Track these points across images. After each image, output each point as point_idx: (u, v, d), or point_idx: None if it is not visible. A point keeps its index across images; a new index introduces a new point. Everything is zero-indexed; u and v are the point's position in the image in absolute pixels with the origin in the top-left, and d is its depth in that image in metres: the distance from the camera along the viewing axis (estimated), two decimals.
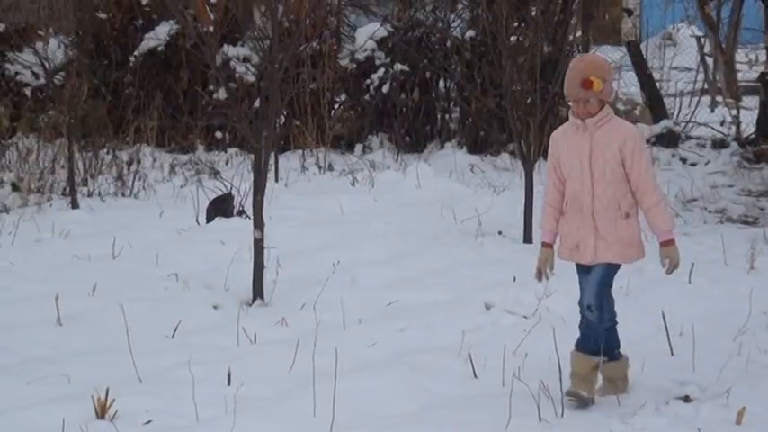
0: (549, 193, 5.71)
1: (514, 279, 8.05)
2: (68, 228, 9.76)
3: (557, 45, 13.81)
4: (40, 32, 15.33)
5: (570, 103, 5.57)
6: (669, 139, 14.70)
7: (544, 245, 5.77)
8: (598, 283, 5.58)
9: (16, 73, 15.37)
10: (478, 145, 14.67)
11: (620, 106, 15.77)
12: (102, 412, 5.34)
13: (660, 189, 5.63)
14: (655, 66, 17.09)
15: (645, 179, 5.48)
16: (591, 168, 5.50)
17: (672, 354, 6.44)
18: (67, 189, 11.27)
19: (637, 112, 15.78)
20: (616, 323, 5.73)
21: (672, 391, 5.77)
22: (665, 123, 15.10)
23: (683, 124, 15.37)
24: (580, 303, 5.68)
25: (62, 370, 6.00)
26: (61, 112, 12.70)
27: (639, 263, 8.44)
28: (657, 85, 16.12)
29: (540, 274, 5.82)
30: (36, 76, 15.23)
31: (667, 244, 5.56)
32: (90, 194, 11.66)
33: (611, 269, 5.64)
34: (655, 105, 15.65)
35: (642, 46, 17.58)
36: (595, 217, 5.53)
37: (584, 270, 5.69)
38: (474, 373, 6.07)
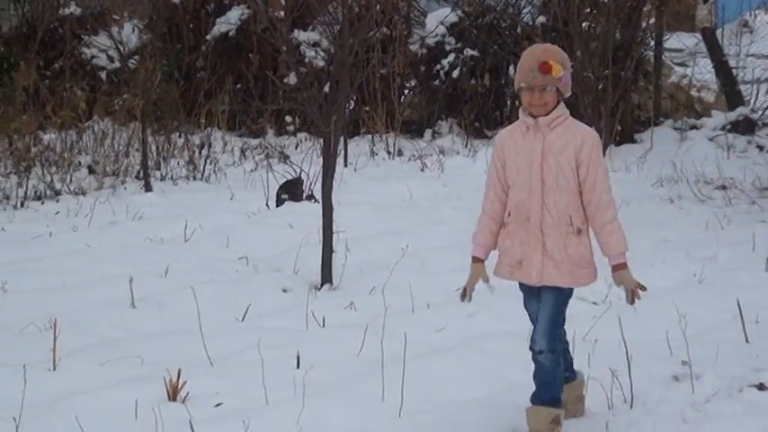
0: (489, 202, 4.99)
1: None
2: (142, 210, 9.91)
3: (629, 32, 13.65)
4: (115, 17, 15.54)
5: (522, 95, 4.84)
6: (745, 126, 14.47)
7: (474, 260, 5.00)
8: (548, 322, 4.88)
9: (92, 57, 15.58)
10: None
11: (695, 93, 15.56)
12: (173, 394, 5.42)
13: (615, 205, 4.88)
14: (731, 53, 16.82)
15: (600, 190, 4.79)
16: (542, 175, 4.81)
17: (747, 341, 6.35)
18: (141, 172, 11.43)
19: (711, 98, 15.56)
20: (567, 345, 5.15)
21: (746, 378, 5.70)
22: (741, 110, 14.85)
23: (759, 111, 15.11)
24: (532, 342, 4.95)
25: (135, 351, 6.09)
26: (135, 96, 12.87)
27: (714, 251, 8.46)
28: (733, 72, 15.87)
29: (464, 295, 5.03)
30: (111, 59, 15.43)
31: (620, 268, 4.87)
32: (163, 178, 11.81)
33: (560, 300, 4.92)
34: (730, 92, 15.41)
35: (717, 33, 17.30)
36: (544, 230, 4.82)
37: (530, 291, 4.99)
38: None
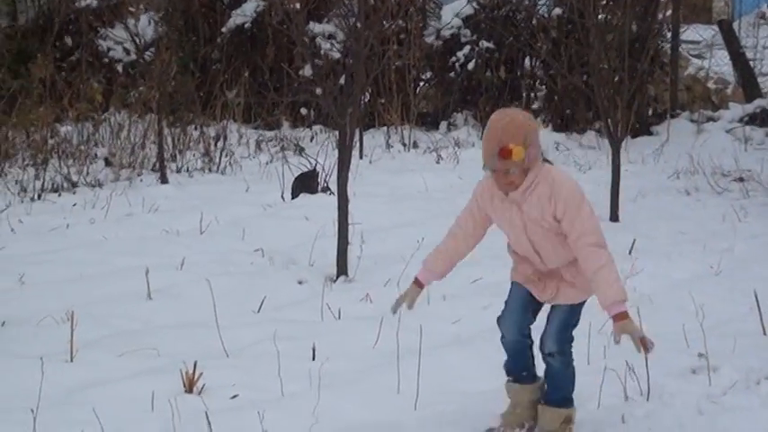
0: (454, 237, 4.83)
1: None
2: (158, 202, 9.93)
3: (645, 23, 13.60)
4: (131, 9, 15.56)
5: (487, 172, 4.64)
6: (763, 119, 14.43)
7: (416, 281, 4.90)
8: (561, 325, 4.75)
9: (108, 49, 15.63)
10: (564, 123, 14.57)
11: (712, 85, 15.51)
12: (190, 386, 5.43)
13: (606, 248, 4.59)
14: (748, 44, 16.76)
15: (585, 240, 4.52)
16: (530, 242, 4.66)
17: (764, 333, 6.32)
18: (157, 164, 11.46)
19: (729, 91, 15.50)
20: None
21: (763, 370, 5.67)
22: (758, 102, 14.81)
23: None
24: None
25: (152, 343, 6.11)
26: (151, 88, 12.90)
27: (731, 243, 8.43)
28: (751, 64, 15.81)
29: (395, 307, 4.93)
30: (127, 51, 15.47)
31: (620, 318, 4.51)
32: (178, 170, 11.84)
33: (576, 308, 4.79)
34: (748, 84, 15.36)
35: (734, 24, 17.24)
36: (552, 269, 4.71)
37: (523, 293, 4.84)
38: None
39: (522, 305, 4.80)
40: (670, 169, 11.75)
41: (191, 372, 5.45)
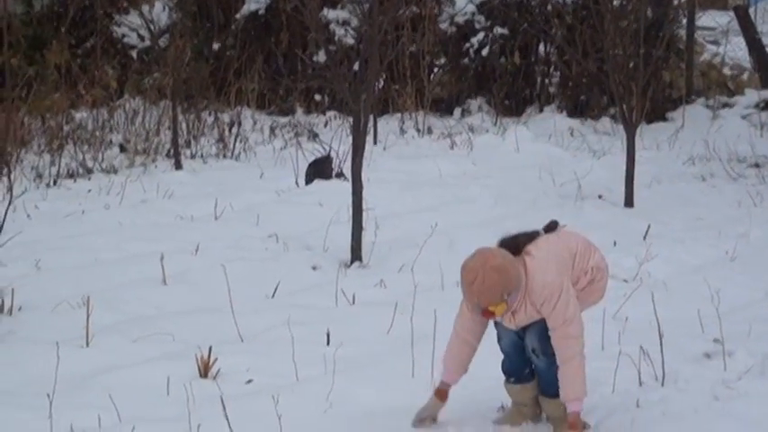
0: (463, 329, 4.82)
1: (615, 243, 7.97)
2: (172, 188, 9.95)
3: (661, 9, 13.54)
4: None
5: None
6: None
7: (439, 390, 4.87)
8: (542, 327, 4.74)
9: (123, 35, 15.65)
10: (578, 109, 14.53)
11: (727, 71, 15.44)
12: (205, 371, 5.45)
13: (581, 339, 4.61)
14: (764, 31, 16.66)
15: (558, 333, 4.59)
16: (519, 327, 4.77)
17: None
18: (171, 150, 11.48)
19: (744, 77, 15.43)
20: None
21: None
22: None
23: None
24: (527, 340, 4.83)
25: (167, 328, 6.13)
26: (165, 74, 12.92)
27: (746, 228, 8.40)
28: (767, 49, 15.72)
29: (419, 422, 4.86)
30: (142, 38, 15.49)
31: (575, 426, 4.62)
32: (193, 156, 11.86)
33: None
34: (763, 70, 15.28)
35: (750, 11, 17.14)
36: None
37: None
38: None
39: (515, 340, 4.80)
40: (685, 155, 11.71)
41: (206, 357, 5.47)
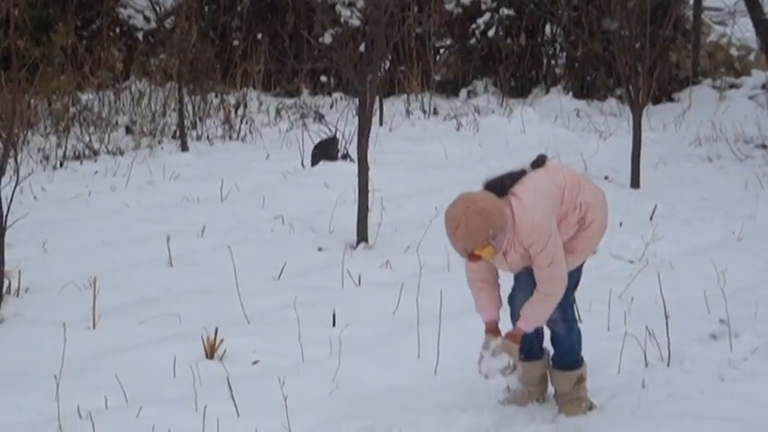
0: (473, 272, 4.76)
1: (621, 224, 7.96)
2: (178, 170, 9.96)
3: None
4: None
5: None
6: None
7: (490, 328, 4.75)
8: None
9: (129, 17, 15.63)
10: (585, 90, 14.49)
11: (734, 52, 15.38)
12: (211, 352, 5.46)
13: (562, 282, 4.59)
14: None
15: (541, 273, 4.57)
16: (517, 272, 4.76)
17: None
18: (177, 132, 11.48)
19: (751, 57, 15.37)
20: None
21: None
22: None
23: None
24: (513, 306, 4.85)
25: (173, 310, 6.15)
26: (171, 56, 12.90)
27: (753, 209, 8.39)
28: None
29: (506, 369, 4.69)
30: (147, 20, 15.46)
31: (513, 338, 4.64)
32: (199, 137, 11.86)
33: (573, 273, 4.76)
34: None
35: None
36: None
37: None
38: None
39: (530, 281, 4.70)
40: (692, 136, 11.68)
41: (212, 338, 5.48)
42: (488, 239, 4.39)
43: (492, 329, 4.74)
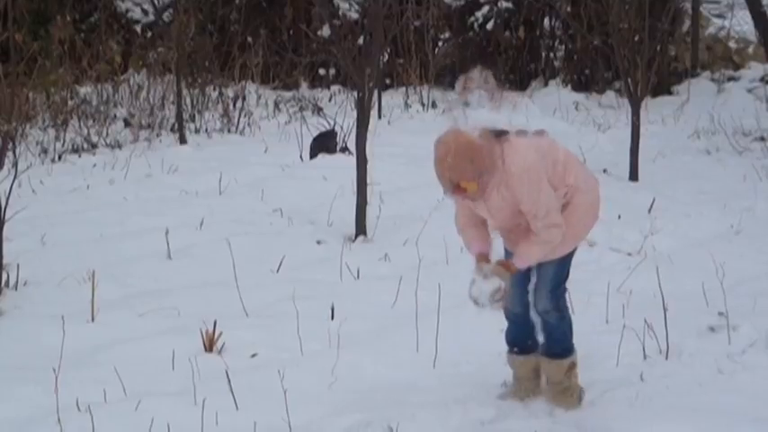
0: (463, 216, 4.76)
1: (619, 217, 7.97)
2: (177, 163, 9.95)
3: None
4: None
5: None
6: None
7: (480, 257, 4.69)
8: (553, 282, 4.74)
9: (127, 10, 15.61)
10: (583, 83, 14.50)
11: (733, 45, 15.37)
12: (210, 345, 5.47)
13: (557, 228, 4.54)
14: None
15: (536, 223, 4.51)
16: (500, 224, 4.68)
17: None
18: (176, 125, 11.47)
19: (750, 50, 15.37)
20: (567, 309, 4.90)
21: None
22: None
23: None
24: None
25: (172, 303, 6.15)
26: (169, 49, 12.89)
27: (752, 202, 8.39)
28: None
29: (497, 293, 4.62)
30: (146, 13, 15.44)
31: (506, 266, 4.60)
32: (197, 130, 11.85)
33: (564, 262, 4.74)
34: None
35: None
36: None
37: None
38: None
39: (521, 277, 4.71)
40: (690, 129, 11.68)
41: (210, 331, 5.48)
42: (474, 173, 4.36)
43: (483, 258, 4.70)
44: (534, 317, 4.83)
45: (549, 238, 4.55)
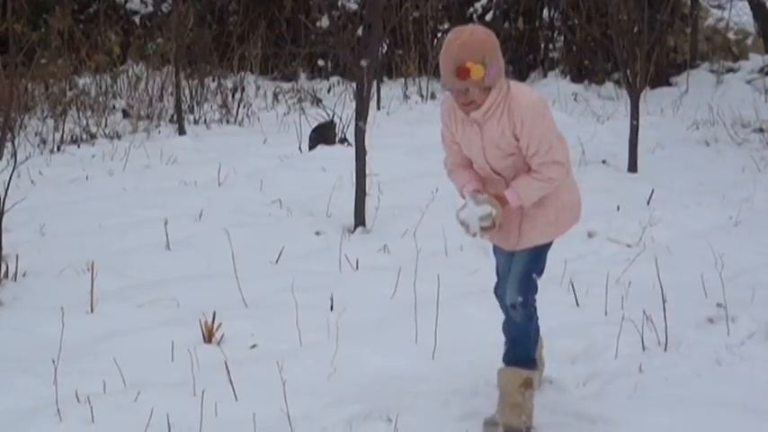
0: (452, 155, 4.56)
1: (618, 208, 7.97)
2: (176, 154, 9.95)
3: None
4: None
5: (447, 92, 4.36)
6: None
7: (473, 192, 4.42)
8: (524, 272, 4.46)
9: (126, 1, 15.58)
10: (582, 74, 14.49)
11: (732, 36, 15.37)
12: (209, 336, 5.47)
13: (563, 167, 4.36)
14: None
15: (538, 160, 4.29)
16: (491, 165, 4.41)
17: None
18: (175, 116, 11.47)
19: (749, 41, 15.36)
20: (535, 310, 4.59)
21: None
22: None
23: None
24: (499, 297, 4.65)
25: (171, 294, 6.15)
26: (168, 40, 12.87)
27: (750, 193, 8.40)
28: None
29: (486, 217, 4.33)
30: (145, 3, 15.42)
31: (504, 199, 4.32)
32: (196, 121, 11.84)
33: (540, 252, 4.49)
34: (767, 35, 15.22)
35: None
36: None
37: (503, 253, 4.60)
38: (576, 301, 6.05)
39: (508, 272, 4.55)
40: (689, 120, 11.68)
41: (210, 322, 5.49)
42: (484, 60, 4.17)
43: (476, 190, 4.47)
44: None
45: (550, 175, 4.30)
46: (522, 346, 4.55)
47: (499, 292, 4.68)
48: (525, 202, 4.35)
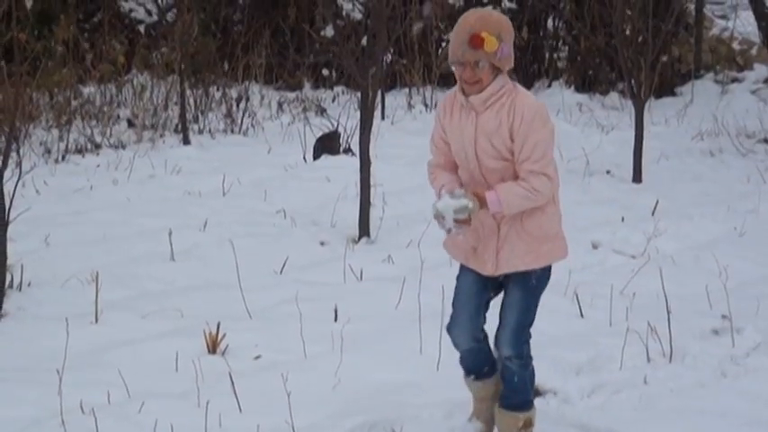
0: (436, 157, 4.48)
1: (623, 219, 7.97)
2: (180, 164, 9.96)
3: None
4: None
5: (455, 69, 4.18)
6: None
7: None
8: (516, 326, 4.30)
9: (130, 10, 15.61)
10: (587, 84, 14.48)
11: (736, 46, 15.37)
12: (213, 347, 5.47)
13: (552, 190, 4.17)
14: None
15: (527, 167, 4.12)
16: (478, 160, 4.23)
17: None
18: (179, 126, 11.47)
19: (753, 51, 15.36)
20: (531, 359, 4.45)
21: None
22: None
23: None
24: (453, 335, 4.48)
25: (175, 304, 6.15)
26: (173, 49, 12.89)
27: (755, 204, 8.39)
28: None
29: (463, 210, 4.14)
30: (149, 13, 15.44)
31: (482, 202, 4.12)
32: (201, 131, 11.85)
33: (530, 299, 4.30)
34: None
35: None
36: (488, 228, 4.27)
37: (474, 280, 4.38)
38: (581, 312, 6.05)
39: (470, 308, 4.39)
40: (694, 130, 11.67)
41: (214, 333, 5.49)
42: (499, 34, 4.08)
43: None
44: (493, 349, 4.45)
45: (536, 186, 4.10)
46: (521, 393, 4.45)
47: (455, 330, 4.46)
48: (505, 208, 4.15)
